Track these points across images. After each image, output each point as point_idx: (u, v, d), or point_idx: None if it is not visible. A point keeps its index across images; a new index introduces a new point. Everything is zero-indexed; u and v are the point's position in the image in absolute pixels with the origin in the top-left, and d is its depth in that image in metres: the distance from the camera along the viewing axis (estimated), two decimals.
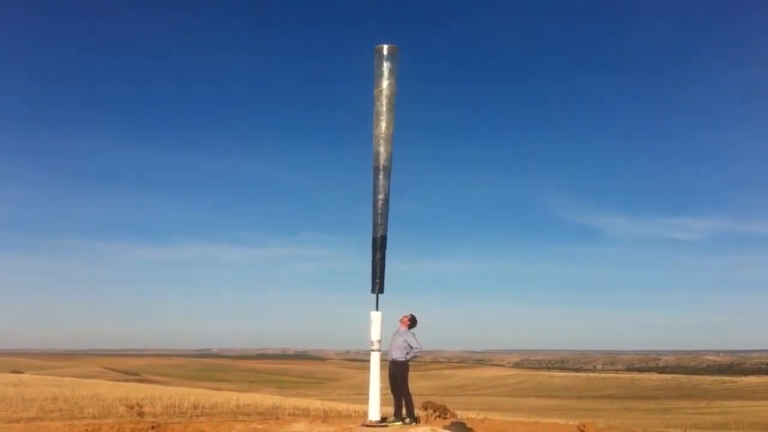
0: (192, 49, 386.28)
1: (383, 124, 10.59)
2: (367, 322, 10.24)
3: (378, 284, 10.31)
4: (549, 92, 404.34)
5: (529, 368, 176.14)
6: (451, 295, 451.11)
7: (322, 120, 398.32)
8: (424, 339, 10.60)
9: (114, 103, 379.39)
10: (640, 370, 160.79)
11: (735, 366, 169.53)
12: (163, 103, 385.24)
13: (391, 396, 10.52)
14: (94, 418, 11.47)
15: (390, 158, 10.61)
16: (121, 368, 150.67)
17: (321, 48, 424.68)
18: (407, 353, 10.39)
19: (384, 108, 10.60)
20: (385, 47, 10.71)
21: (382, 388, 10.09)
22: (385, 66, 10.64)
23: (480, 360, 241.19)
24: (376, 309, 10.26)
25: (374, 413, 9.96)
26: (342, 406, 19.94)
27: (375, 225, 10.47)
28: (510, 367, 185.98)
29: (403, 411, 10.37)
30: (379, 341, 10.12)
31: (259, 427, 10.31)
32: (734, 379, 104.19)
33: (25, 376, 39.04)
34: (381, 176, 10.53)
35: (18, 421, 10.77)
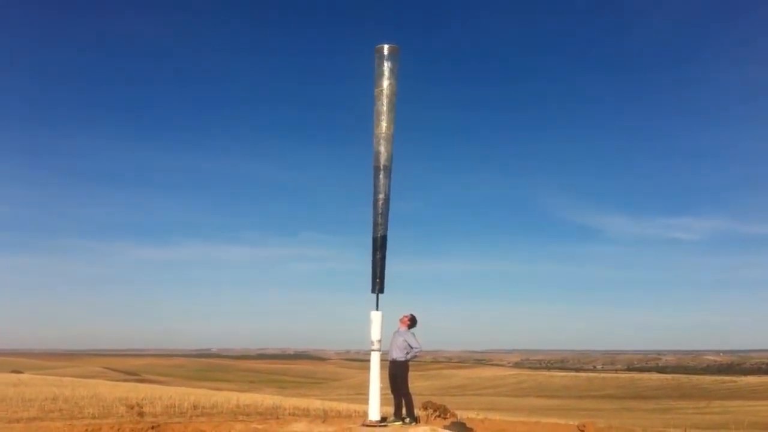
0: (192, 49, 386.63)
1: (384, 124, 10.59)
2: (367, 321, 10.23)
3: (378, 284, 10.30)
4: (549, 92, 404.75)
5: (529, 368, 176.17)
6: (451, 295, 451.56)
7: (322, 120, 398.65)
8: (424, 339, 10.61)
9: (114, 103, 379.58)
10: (640, 369, 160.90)
11: (735, 366, 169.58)
12: (163, 103, 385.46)
13: (391, 396, 10.52)
14: (94, 418, 11.46)
15: (390, 158, 10.61)
16: (121, 368, 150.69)
17: (321, 48, 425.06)
18: (407, 353, 10.39)
19: (384, 108, 10.59)
20: (386, 47, 10.70)
21: (382, 388, 10.09)
22: (386, 66, 10.64)
23: (480, 360, 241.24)
24: (377, 309, 10.26)
25: (374, 413, 9.95)
26: (342, 406, 19.94)
27: (375, 225, 10.47)
28: (510, 367, 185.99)
29: (403, 411, 10.36)
30: (379, 341, 10.12)
31: (259, 427, 10.31)
32: (734, 378, 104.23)
33: (25, 376, 39.03)
34: (381, 176, 10.53)
35: (18, 421, 10.77)
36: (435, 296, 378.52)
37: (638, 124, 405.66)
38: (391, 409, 10.65)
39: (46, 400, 14.82)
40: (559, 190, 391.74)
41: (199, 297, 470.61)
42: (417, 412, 11.06)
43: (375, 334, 10.11)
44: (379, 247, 10.40)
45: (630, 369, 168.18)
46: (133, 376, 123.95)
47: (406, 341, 10.40)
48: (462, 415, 13.02)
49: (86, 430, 9.58)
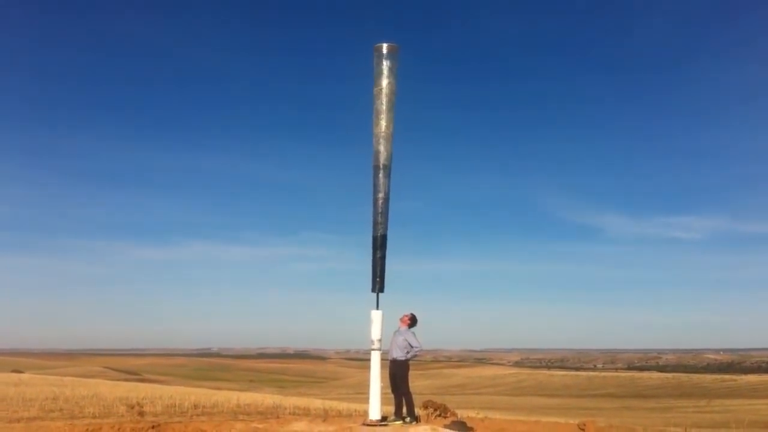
0: (192, 49, 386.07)
1: (383, 123, 10.59)
2: (368, 321, 10.24)
3: (378, 283, 10.30)
4: (549, 92, 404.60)
5: (529, 367, 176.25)
6: (451, 295, 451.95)
7: (322, 120, 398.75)
8: (424, 338, 10.61)
9: (114, 103, 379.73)
10: (641, 368, 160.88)
11: (735, 364, 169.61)
12: (163, 103, 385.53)
13: (392, 395, 10.52)
14: (94, 417, 11.46)
15: (390, 157, 10.60)
16: (122, 368, 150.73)
17: (321, 48, 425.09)
18: (407, 352, 10.39)
19: (384, 107, 10.59)
20: (385, 46, 10.69)
21: (382, 388, 10.08)
22: (385, 65, 10.63)
23: (480, 359, 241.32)
24: (377, 308, 10.26)
25: (375, 412, 9.95)
26: (342, 406, 19.94)
27: (375, 224, 10.47)
28: (510, 366, 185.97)
29: (404, 410, 10.36)
30: (380, 340, 10.11)
31: (260, 426, 10.32)
32: (734, 377, 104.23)
33: (25, 376, 39.03)
34: (381, 175, 10.53)
35: (18, 420, 10.77)
36: (435, 295, 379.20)
37: (638, 124, 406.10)
38: (391, 409, 10.65)
39: (46, 399, 14.83)
40: (559, 190, 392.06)
41: (200, 297, 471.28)
42: (417, 411, 11.07)
43: (375, 333, 10.11)
44: (379, 246, 10.39)
45: (630, 368, 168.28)
46: (134, 375, 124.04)
47: (406, 340, 10.40)
48: (462, 414, 13.03)
49: (87, 429, 9.58)
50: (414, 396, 10.56)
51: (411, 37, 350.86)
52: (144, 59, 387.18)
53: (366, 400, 10.69)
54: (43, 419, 10.96)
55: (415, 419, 10.46)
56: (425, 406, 12.04)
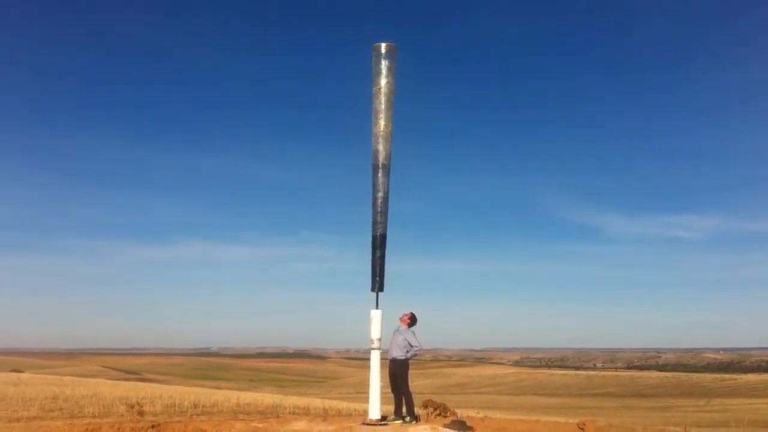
0: (192, 49, 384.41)
1: (382, 122, 10.59)
2: (367, 320, 10.23)
3: (378, 282, 10.30)
4: (549, 92, 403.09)
5: (529, 366, 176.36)
6: (451, 294, 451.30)
7: (322, 119, 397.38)
8: (424, 337, 10.61)
9: (114, 103, 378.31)
10: (640, 368, 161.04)
11: (735, 364, 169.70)
12: (163, 103, 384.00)
13: (392, 394, 10.52)
14: (94, 417, 11.46)
15: (389, 156, 10.59)
16: (121, 367, 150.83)
17: (321, 48, 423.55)
18: (407, 351, 10.39)
19: (382, 106, 10.59)
20: (383, 45, 10.69)
21: (382, 387, 10.08)
22: (383, 64, 10.63)
23: (480, 358, 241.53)
24: (376, 307, 10.26)
25: (374, 412, 9.95)
26: (342, 405, 19.93)
27: (374, 223, 10.47)
28: (510, 365, 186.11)
29: (404, 409, 10.36)
30: (379, 340, 10.11)
31: (260, 425, 10.31)
32: (734, 376, 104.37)
33: (25, 376, 39.03)
34: (380, 174, 10.52)
35: (18, 420, 10.77)
36: (435, 295, 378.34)
37: (638, 124, 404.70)
38: (391, 408, 10.65)
39: (46, 399, 14.82)
40: (558, 190, 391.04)
41: (199, 296, 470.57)
42: (417, 410, 11.06)
43: (375, 332, 10.10)
44: (379, 245, 10.39)
45: (630, 367, 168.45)
46: (134, 375, 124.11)
47: (406, 340, 10.40)
48: (462, 413, 13.02)
49: (86, 429, 9.57)
50: (414, 395, 10.55)
51: (411, 36, 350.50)
52: (144, 59, 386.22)
53: (366, 400, 10.69)
54: (42, 419, 10.95)
55: (415, 419, 10.45)
56: (425, 406, 12.03)
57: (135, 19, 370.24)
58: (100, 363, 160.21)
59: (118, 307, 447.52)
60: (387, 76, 10.61)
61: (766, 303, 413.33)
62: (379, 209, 10.44)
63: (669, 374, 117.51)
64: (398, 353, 10.35)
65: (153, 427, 9.88)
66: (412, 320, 10.65)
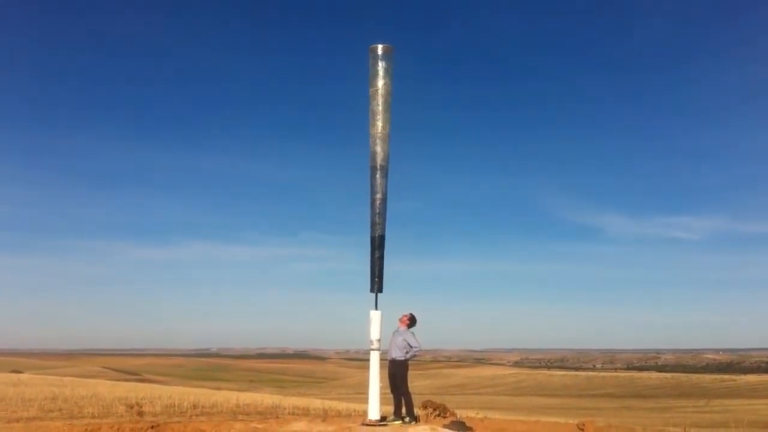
0: (192, 49, 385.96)
1: (379, 124, 10.60)
2: (367, 321, 10.24)
3: (377, 283, 10.30)
4: (549, 92, 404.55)
5: (529, 367, 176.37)
6: (450, 295, 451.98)
7: (322, 120, 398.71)
8: (423, 338, 10.61)
9: (114, 103, 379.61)
10: (640, 368, 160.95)
11: (734, 364, 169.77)
12: (163, 103, 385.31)
13: (391, 395, 10.53)
14: (93, 417, 11.46)
15: (387, 158, 10.59)
16: (121, 368, 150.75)
17: (321, 48, 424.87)
18: (407, 352, 10.39)
19: (380, 107, 10.59)
20: (380, 47, 10.69)
21: (381, 388, 10.09)
22: (380, 65, 10.63)
23: (479, 359, 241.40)
24: (376, 308, 10.27)
25: (374, 412, 9.96)
26: (342, 406, 19.94)
27: (373, 224, 10.47)
28: (509, 366, 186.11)
29: (403, 410, 10.37)
30: (379, 340, 10.12)
31: (259, 426, 10.32)
32: (734, 377, 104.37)
33: (24, 376, 39.02)
34: (378, 176, 10.53)
35: (18, 420, 10.77)
36: (434, 296, 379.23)
37: (638, 124, 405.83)
38: (390, 409, 10.66)
39: (45, 399, 14.81)
40: (558, 190, 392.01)
41: (199, 297, 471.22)
42: (416, 411, 11.06)
43: (374, 333, 10.11)
44: (377, 246, 10.39)
45: (629, 368, 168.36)
46: (133, 375, 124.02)
47: (405, 340, 10.41)
48: (461, 414, 13.02)
49: (86, 429, 9.57)
50: (413, 396, 10.56)
51: (410, 37, 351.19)
52: (144, 59, 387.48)
53: (365, 400, 10.70)
54: (42, 419, 10.95)
55: (415, 419, 10.46)
56: (424, 406, 12.03)
57: (135, 19, 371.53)
58: (100, 363, 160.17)
59: (117, 308, 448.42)
60: (384, 78, 10.62)
61: (766, 303, 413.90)
62: (377, 210, 10.45)
63: (668, 375, 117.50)
64: (398, 354, 10.36)
65: (152, 427, 9.88)
66: (412, 321, 10.65)
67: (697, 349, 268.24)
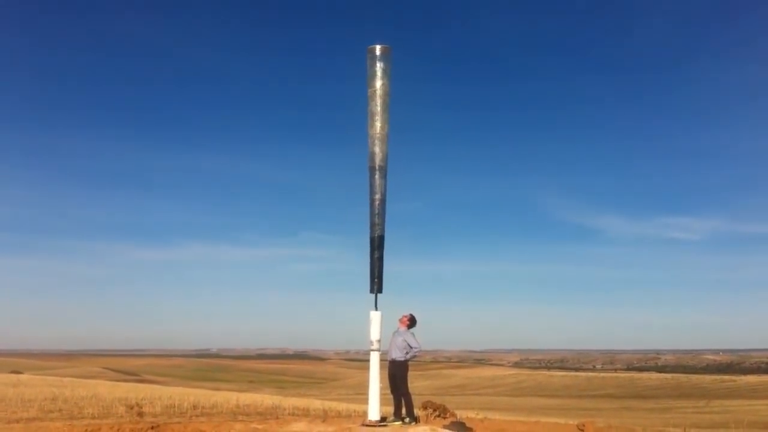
0: (192, 49, 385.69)
1: (378, 125, 10.60)
2: (367, 322, 10.24)
3: (376, 284, 10.30)
4: (548, 92, 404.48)
5: (529, 368, 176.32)
6: (450, 295, 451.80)
7: (322, 120, 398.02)
8: (423, 339, 10.61)
9: (114, 103, 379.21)
10: (640, 369, 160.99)
11: (734, 365, 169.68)
12: (163, 103, 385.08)
13: (391, 396, 10.53)
14: (93, 418, 11.47)
15: (385, 158, 10.59)
16: (121, 368, 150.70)
17: (321, 48, 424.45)
18: (407, 353, 10.40)
19: (378, 108, 10.60)
20: (378, 48, 10.70)
21: (381, 388, 10.09)
22: (378, 66, 10.64)
23: (479, 360, 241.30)
24: (375, 309, 10.27)
25: (374, 413, 9.96)
26: (342, 406, 19.96)
27: (372, 225, 10.47)
28: (509, 366, 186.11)
29: (403, 411, 10.37)
30: (379, 341, 10.12)
31: (259, 427, 10.32)
32: (734, 378, 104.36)
33: (24, 377, 39.02)
34: (377, 176, 10.53)
35: (17, 421, 10.77)
36: (434, 296, 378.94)
37: (638, 125, 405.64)
38: (390, 409, 10.66)
39: (45, 400, 14.82)
40: (558, 191, 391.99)
41: (199, 297, 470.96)
42: (416, 411, 11.07)
43: (374, 334, 10.11)
44: (377, 247, 10.40)
45: (629, 368, 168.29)
46: (133, 376, 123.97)
47: (405, 341, 10.41)
48: (461, 414, 13.03)
49: (86, 430, 9.58)
50: (413, 396, 10.56)
51: (410, 37, 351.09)
52: (144, 59, 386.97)
53: (365, 401, 10.70)
54: (42, 420, 10.96)
55: (415, 420, 10.46)
56: (424, 407, 12.05)
57: (135, 19, 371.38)
58: (100, 364, 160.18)
59: (117, 308, 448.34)
60: (382, 78, 10.62)
61: (766, 304, 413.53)
62: (376, 211, 10.45)
63: (668, 375, 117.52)
64: (398, 354, 10.37)
65: (152, 428, 9.89)
66: (412, 322, 10.66)
67: (697, 350, 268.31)
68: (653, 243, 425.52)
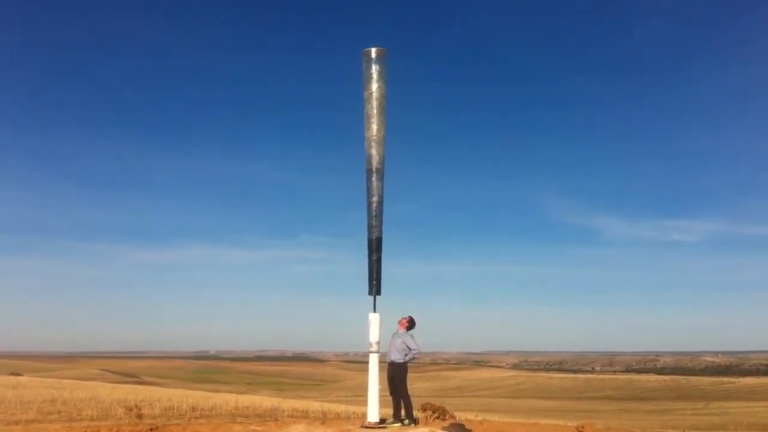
0: (192, 49, 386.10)
1: (374, 127, 10.63)
2: (366, 323, 10.26)
3: (375, 286, 10.32)
4: (547, 93, 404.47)
5: (528, 369, 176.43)
6: (449, 297, 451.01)
7: (322, 121, 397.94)
8: (422, 340, 10.63)
9: (114, 103, 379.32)
10: (639, 371, 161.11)
11: (733, 367, 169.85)
12: (163, 103, 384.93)
13: (390, 397, 10.54)
14: (92, 420, 11.47)
15: (382, 160, 10.62)
16: (120, 370, 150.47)
17: (321, 49, 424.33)
18: (406, 355, 10.42)
19: (374, 111, 10.63)
20: (373, 50, 10.72)
21: (380, 390, 10.11)
22: (374, 69, 10.67)
23: (478, 361, 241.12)
24: (374, 311, 10.29)
25: (373, 415, 9.98)
26: (341, 408, 19.96)
27: (370, 227, 10.50)
28: (508, 368, 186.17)
29: (402, 412, 10.39)
30: (378, 343, 10.14)
31: (258, 428, 10.33)
32: (732, 380, 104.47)
33: (23, 379, 38.97)
34: (374, 178, 10.55)
35: (17, 423, 10.77)
36: (433, 298, 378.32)
37: (637, 126, 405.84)
38: (390, 411, 10.67)
39: (44, 402, 14.81)
40: (557, 192, 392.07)
41: (199, 299, 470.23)
42: (416, 413, 11.08)
43: (373, 336, 10.13)
44: (375, 249, 10.42)
45: (628, 370, 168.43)
46: (132, 378, 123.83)
47: (404, 343, 10.43)
48: (460, 416, 13.05)
49: None
50: (412, 398, 10.58)
51: (409, 37, 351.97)
52: (144, 59, 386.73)
53: (364, 403, 10.72)
54: (41, 422, 10.96)
55: (414, 421, 10.48)
56: (424, 409, 12.06)
57: (135, 19, 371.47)
58: (99, 366, 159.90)
59: (117, 310, 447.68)
60: (378, 81, 10.66)
61: (765, 306, 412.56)
62: (373, 213, 10.48)
63: (667, 377, 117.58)
64: (397, 356, 10.39)
65: (151, 430, 9.90)
66: (411, 324, 10.68)
67: (695, 352, 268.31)
68: (652, 244, 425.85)
